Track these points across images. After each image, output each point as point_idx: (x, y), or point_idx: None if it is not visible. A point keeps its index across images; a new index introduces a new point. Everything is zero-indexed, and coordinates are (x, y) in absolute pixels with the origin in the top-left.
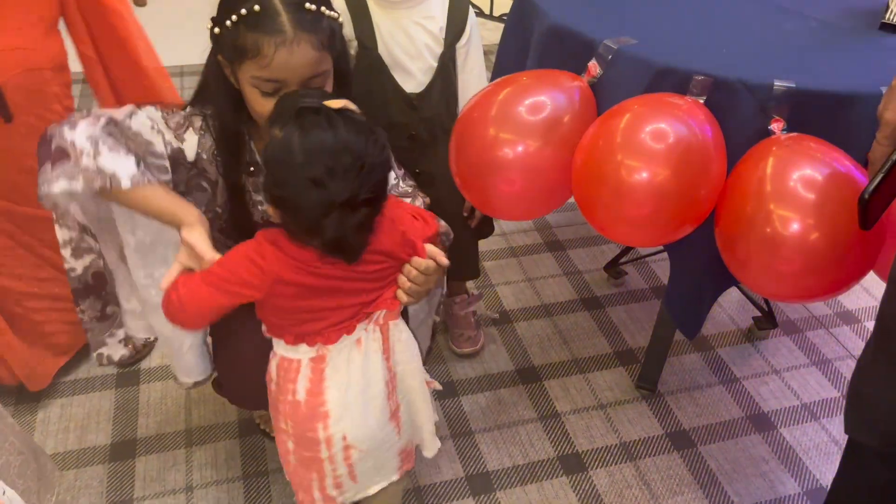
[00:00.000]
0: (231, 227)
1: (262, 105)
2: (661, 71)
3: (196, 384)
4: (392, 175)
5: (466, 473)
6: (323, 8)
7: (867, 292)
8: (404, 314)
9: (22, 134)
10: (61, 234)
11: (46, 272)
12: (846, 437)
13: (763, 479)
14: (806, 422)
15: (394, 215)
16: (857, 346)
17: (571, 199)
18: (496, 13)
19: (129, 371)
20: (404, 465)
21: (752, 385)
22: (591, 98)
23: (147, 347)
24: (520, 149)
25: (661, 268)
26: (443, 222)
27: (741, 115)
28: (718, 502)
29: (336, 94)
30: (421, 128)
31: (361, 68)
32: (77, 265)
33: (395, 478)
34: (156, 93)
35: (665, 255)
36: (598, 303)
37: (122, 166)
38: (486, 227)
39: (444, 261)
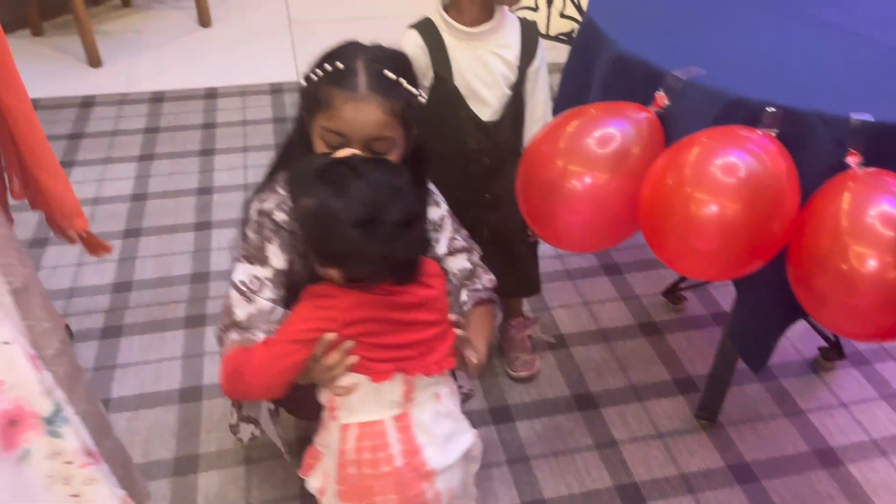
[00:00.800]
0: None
1: None
2: (731, 102)
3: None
4: (449, 228)
5: (522, 501)
6: (402, 80)
7: None
8: None
9: None
10: None
11: None
12: None
13: None
14: (875, 458)
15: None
16: None
17: None
18: (552, 32)
19: (192, 387)
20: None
21: (818, 418)
22: (659, 129)
23: None
24: (587, 180)
25: (722, 294)
26: (492, 276)
27: (816, 149)
28: None
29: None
30: (494, 153)
31: (437, 98)
32: None
33: None
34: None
35: (727, 280)
36: (657, 329)
37: None
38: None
39: (473, 360)
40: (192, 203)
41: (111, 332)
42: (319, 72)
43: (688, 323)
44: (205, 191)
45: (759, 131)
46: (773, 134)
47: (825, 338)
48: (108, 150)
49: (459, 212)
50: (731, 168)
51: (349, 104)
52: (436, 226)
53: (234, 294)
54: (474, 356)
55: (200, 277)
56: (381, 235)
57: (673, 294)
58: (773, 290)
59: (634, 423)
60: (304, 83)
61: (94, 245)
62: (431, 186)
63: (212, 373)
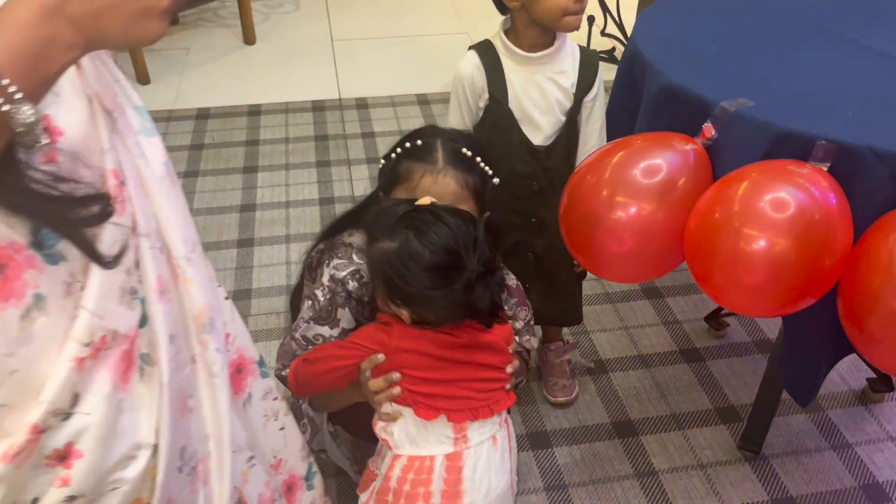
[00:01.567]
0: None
1: None
2: (781, 135)
3: None
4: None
5: None
6: (479, 158)
7: None
8: None
9: None
10: None
11: None
12: None
13: None
14: None
15: None
16: None
17: None
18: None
19: None
20: None
21: (866, 452)
22: (707, 161)
23: None
24: (633, 210)
25: (766, 321)
26: (532, 338)
27: (869, 184)
28: None
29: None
30: (543, 178)
31: (490, 121)
32: None
33: None
34: None
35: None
36: (699, 355)
37: None
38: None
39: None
40: (235, 220)
41: None
42: (399, 150)
43: (730, 350)
44: (248, 208)
45: (809, 165)
46: (825, 168)
47: (874, 369)
48: None
49: (505, 234)
50: (780, 203)
51: (428, 176)
52: None
53: (294, 346)
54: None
55: (242, 294)
56: (457, 282)
57: (715, 320)
58: (822, 326)
59: (675, 453)
60: (382, 162)
61: None
62: None
63: None
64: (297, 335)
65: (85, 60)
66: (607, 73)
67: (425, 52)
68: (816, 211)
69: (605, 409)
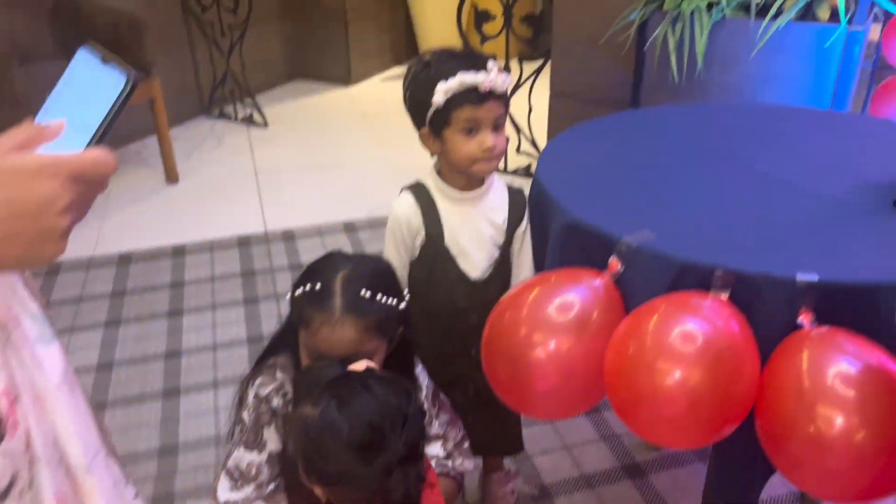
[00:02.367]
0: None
1: None
2: (682, 267)
3: None
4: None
5: None
6: (379, 295)
7: None
8: None
9: None
10: None
11: None
12: None
13: None
14: None
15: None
16: None
17: None
18: (510, 168)
19: None
20: None
21: None
22: (617, 294)
23: None
24: (552, 347)
25: None
26: (465, 462)
27: (768, 310)
28: None
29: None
30: (481, 311)
31: (427, 256)
32: None
33: None
34: None
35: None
36: (640, 470)
37: None
38: None
39: None
40: (160, 368)
41: None
42: (301, 290)
43: (670, 461)
44: (173, 354)
45: (711, 295)
46: (725, 296)
47: None
48: (74, 319)
49: (445, 367)
50: (689, 336)
51: (325, 327)
52: None
53: (223, 479)
54: None
55: (168, 450)
56: (377, 463)
57: None
58: (747, 448)
59: None
60: (289, 296)
61: None
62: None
63: None
64: (231, 465)
65: None
66: (526, 188)
67: (348, 179)
68: (721, 340)
69: None
